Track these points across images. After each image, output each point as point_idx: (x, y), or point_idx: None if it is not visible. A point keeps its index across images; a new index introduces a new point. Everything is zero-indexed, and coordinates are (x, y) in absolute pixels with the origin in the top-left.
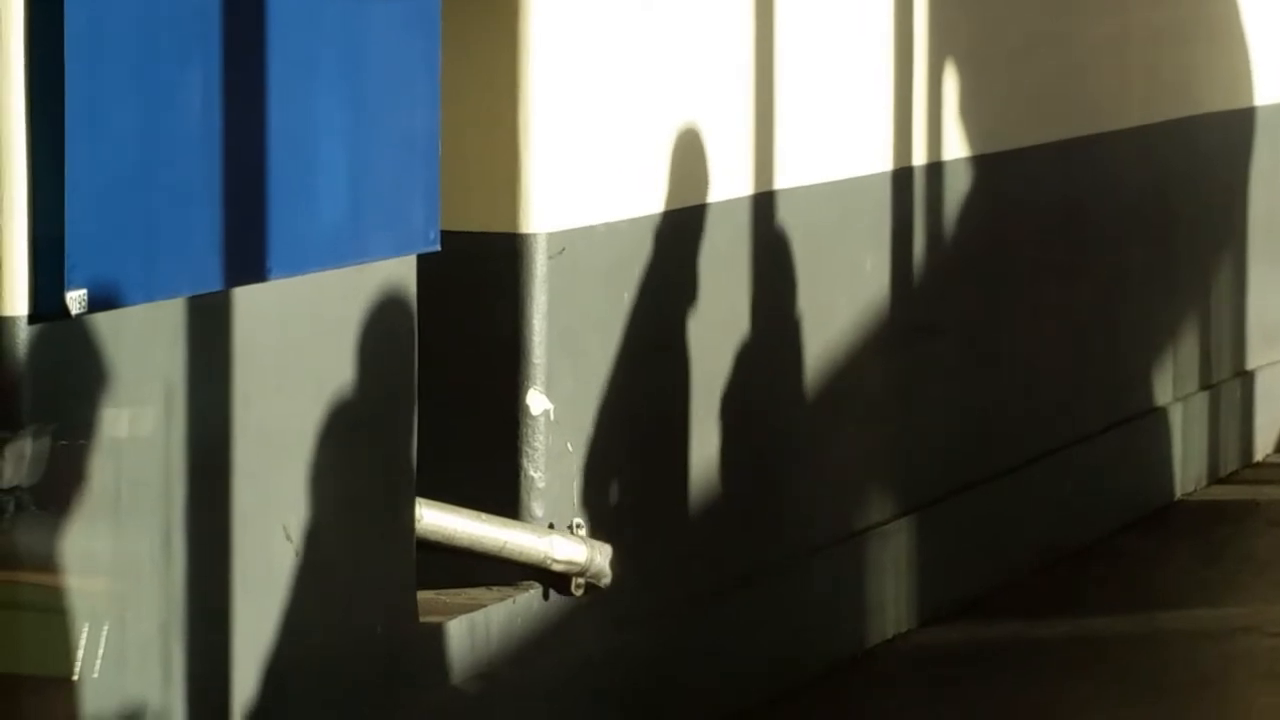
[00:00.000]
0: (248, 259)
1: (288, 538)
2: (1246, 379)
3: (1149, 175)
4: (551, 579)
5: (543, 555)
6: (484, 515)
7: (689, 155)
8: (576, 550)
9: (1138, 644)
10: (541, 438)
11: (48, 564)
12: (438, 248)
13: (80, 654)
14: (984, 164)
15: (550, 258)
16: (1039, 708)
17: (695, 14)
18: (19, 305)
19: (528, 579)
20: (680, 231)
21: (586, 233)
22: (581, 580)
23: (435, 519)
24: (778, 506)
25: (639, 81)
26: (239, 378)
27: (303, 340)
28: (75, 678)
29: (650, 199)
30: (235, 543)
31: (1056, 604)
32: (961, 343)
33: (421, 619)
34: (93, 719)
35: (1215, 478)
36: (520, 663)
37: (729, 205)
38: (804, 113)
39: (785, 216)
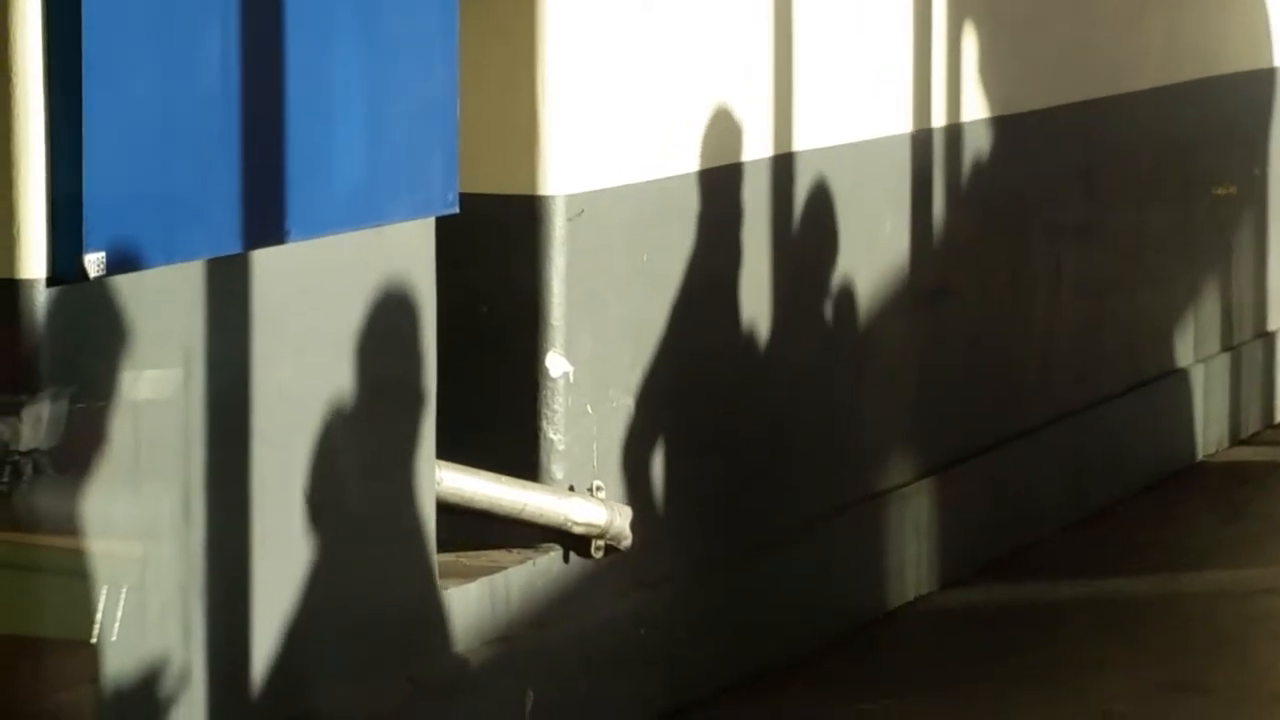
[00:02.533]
0: (266, 221)
1: (307, 500)
2: (1268, 340)
3: (1168, 136)
4: (572, 541)
5: (563, 518)
6: (504, 478)
7: (708, 117)
8: (596, 513)
9: (1158, 605)
10: (561, 400)
11: (66, 527)
12: (456, 210)
13: (99, 617)
14: (1003, 125)
15: (569, 220)
16: (1059, 669)
17: None
18: (37, 268)
19: (548, 542)
20: (700, 193)
21: (605, 195)
22: (602, 543)
23: (455, 481)
24: (798, 469)
25: (657, 43)
26: (258, 341)
27: (321, 303)
28: (94, 640)
29: (669, 161)
30: (254, 505)
31: (1077, 566)
32: (981, 304)
33: (441, 582)
34: (112, 681)
35: (1237, 439)
36: (540, 625)
37: (748, 167)
38: (823, 74)
39: (805, 178)
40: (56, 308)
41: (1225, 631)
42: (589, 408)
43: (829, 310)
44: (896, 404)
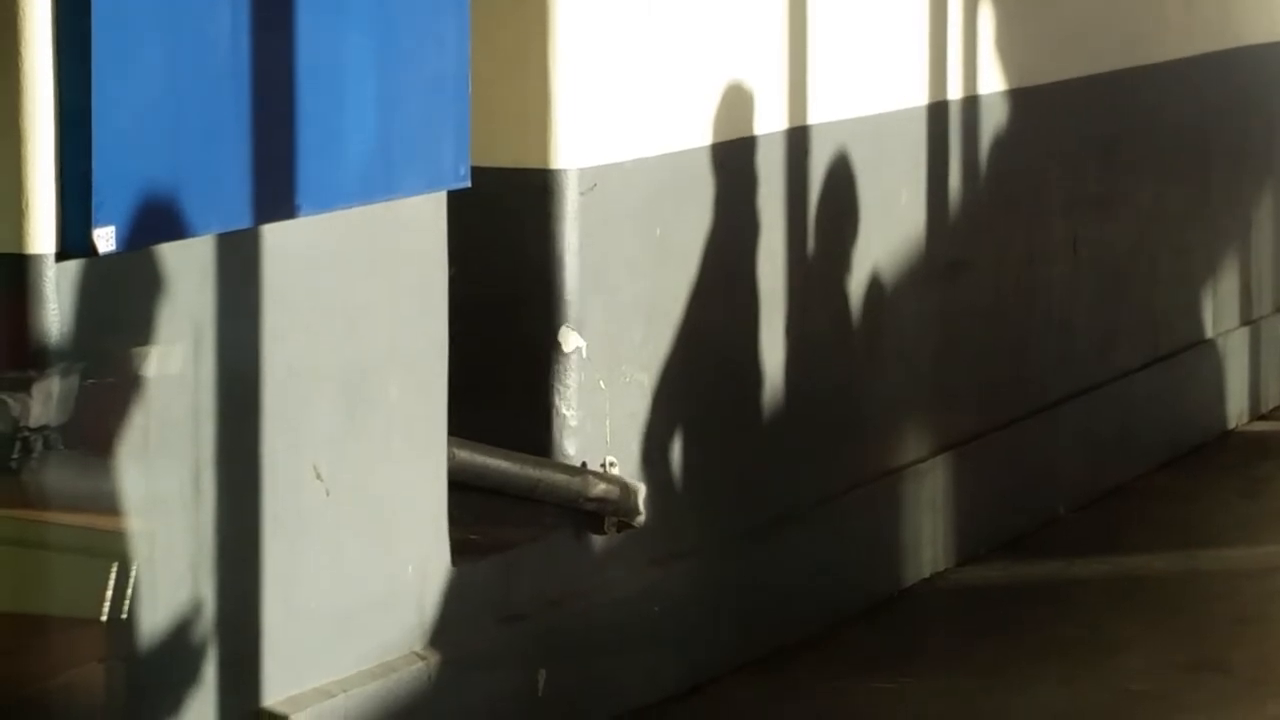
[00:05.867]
0: (277, 195)
1: (318, 477)
2: None
3: (1187, 109)
4: (584, 519)
5: (575, 495)
6: (516, 455)
7: (722, 90)
8: (609, 489)
9: (1177, 582)
10: (574, 375)
11: (76, 503)
12: (468, 184)
13: (110, 594)
14: (1021, 98)
15: (581, 194)
16: (1077, 647)
17: None
18: (47, 243)
19: (560, 519)
20: (713, 167)
21: (618, 168)
22: (614, 519)
23: (467, 459)
24: (813, 444)
25: (671, 16)
26: (268, 316)
27: (332, 278)
28: (105, 617)
29: (682, 134)
30: (265, 482)
31: (1095, 542)
32: (998, 278)
33: (453, 559)
34: (122, 659)
35: (1256, 414)
36: (553, 603)
37: (762, 140)
38: (838, 46)
39: (820, 151)
40: (66, 283)
41: (1245, 610)
42: (602, 383)
43: (844, 285)
44: (913, 379)
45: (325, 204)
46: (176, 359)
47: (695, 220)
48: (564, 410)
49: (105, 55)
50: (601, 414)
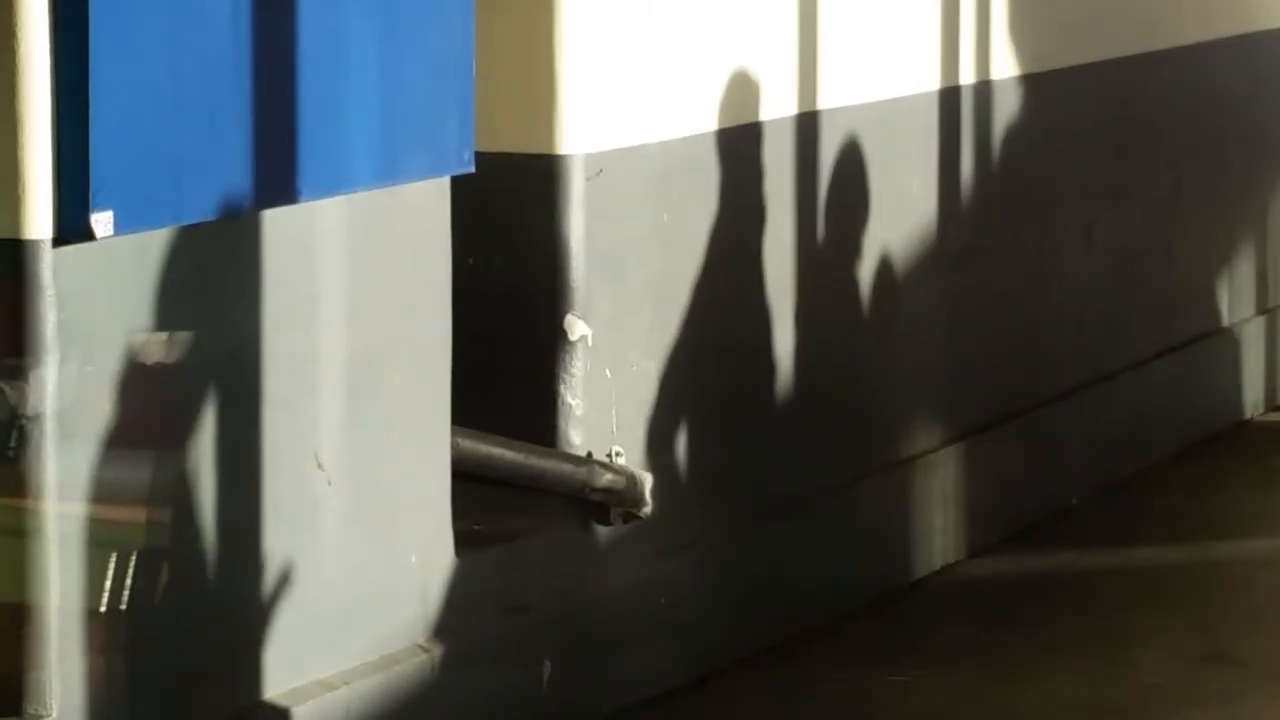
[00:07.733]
0: (278, 180)
1: (319, 466)
2: None
3: (1203, 94)
4: (590, 509)
5: (581, 485)
6: (521, 444)
7: (730, 75)
8: (615, 479)
9: (1191, 574)
10: (580, 363)
11: (75, 493)
12: (472, 169)
13: (110, 584)
14: (1033, 83)
15: (587, 179)
16: (1091, 639)
17: None
18: (44, 228)
19: (566, 509)
20: (721, 153)
21: (624, 154)
22: (620, 510)
23: (471, 448)
24: (822, 434)
25: None
26: (269, 302)
27: (334, 264)
28: (105, 608)
29: (689, 120)
30: (266, 471)
31: (1108, 533)
32: (1010, 265)
33: (457, 550)
34: (122, 650)
35: (1272, 404)
36: (558, 594)
37: (771, 126)
38: (849, 31)
39: (829, 137)
40: (64, 268)
41: (1260, 602)
42: (608, 372)
43: (854, 272)
44: (923, 368)
45: (327, 189)
46: (176, 346)
47: (703, 206)
48: (569, 399)
49: (103, 37)
50: (608, 403)
